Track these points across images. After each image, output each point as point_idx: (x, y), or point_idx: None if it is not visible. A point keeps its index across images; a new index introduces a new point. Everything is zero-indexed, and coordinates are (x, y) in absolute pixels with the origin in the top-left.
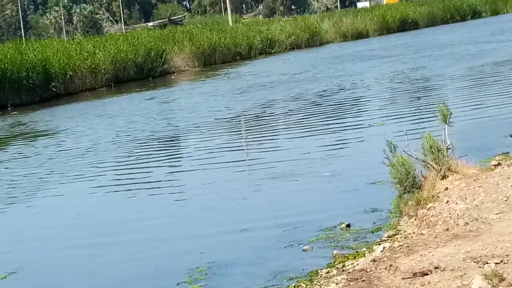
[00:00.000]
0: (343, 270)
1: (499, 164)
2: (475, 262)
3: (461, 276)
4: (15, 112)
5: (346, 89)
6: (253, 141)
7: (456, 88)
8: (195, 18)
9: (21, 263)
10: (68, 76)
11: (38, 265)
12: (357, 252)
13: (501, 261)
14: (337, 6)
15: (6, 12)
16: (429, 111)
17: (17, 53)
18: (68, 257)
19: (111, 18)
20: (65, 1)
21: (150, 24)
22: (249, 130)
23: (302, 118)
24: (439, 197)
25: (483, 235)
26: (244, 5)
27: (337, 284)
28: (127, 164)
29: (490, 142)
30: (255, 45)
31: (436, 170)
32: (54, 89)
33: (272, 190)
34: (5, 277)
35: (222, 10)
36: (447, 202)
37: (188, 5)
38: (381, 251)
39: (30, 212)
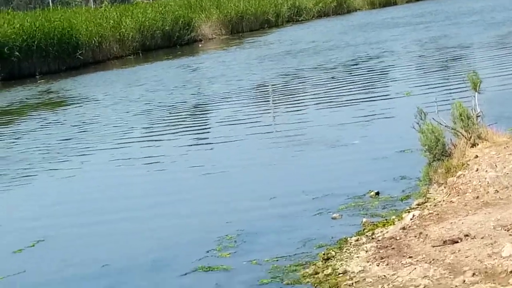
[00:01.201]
0: (372, 238)
1: None
2: (505, 230)
3: (492, 244)
4: (42, 80)
5: (374, 58)
6: (281, 109)
7: (486, 55)
8: None
9: (47, 233)
10: (96, 44)
11: (65, 234)
12: (386, 220)
13: None
14: None
15: None
16: (459, 79)
17: (45, 21)
18: (97, 226)
19: None
20: None
21: None
22: (277, 98)
23: (330, 87)
24: (469, 165)
25: None
26: None
27: (366, 251)
28: (154, 135)
29: None
30: (283, 12)
31: (466, 137)
32: (82, 57)
33: (300, 158)
34: (33, 245)
35: None
36: (477, 170)
37: None
38: (411, 219)
39: (55, 183)
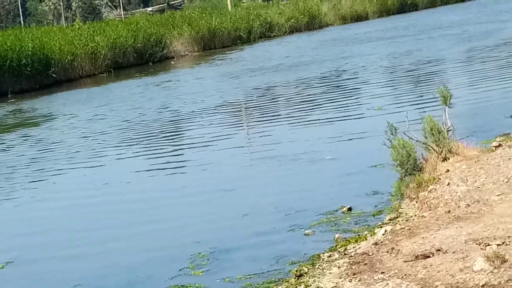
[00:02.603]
0: (345, 254)
1: (500, 145)
2: (477, 244)
3: (463, 258)
4: (13, 100)
5: (346, 73)
6: (254, 125)
7: (457, 70)
8: (194, 2)
9: (16, 254)
10: (68, 62)
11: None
12: (358, 235)
13: (503, 243)
14: None
15: None
16: (430, 93)
17: (17, 40)
18: (68, 246)
19: (110, 4)
20: None
21: (149, 9)
22: (249, 114)
23: (302, 103)
24: (440, 179)
25: (484, 216)
26: None
27: (339, 267)
28: (124, 154)
29: (491, 123)
30: (255, 29)
31: (437, 152)
32: (54, 76)
33: (273, 174)
34: (2, 267)
35: None
36: (448, 184)
37: None
38: (383, 234)
39: (21, 204)
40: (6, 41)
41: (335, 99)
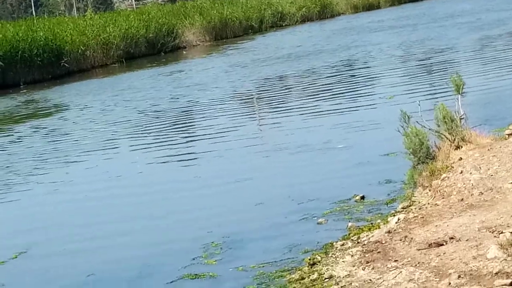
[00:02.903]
0: (358, 242)
1: None
2: (490, 232)
3: (477, 246)
4: (25, 90)
5: (358, 62)
6: (266, 115)
7: (470, 58)
8: None
9: (29, 244)
10: (80, 53)
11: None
12: (371, 224)
13: None
14: None
15: None
16: (443, 82)
17: (29, 31)
18: (81, 236)
19: None
20: None
21: None
22: (262, 104)
23: (314, 92)
24: (453, 167)
25: (497, 204)
26: None
27: (352, 256)
28: (137, 144)
29: (504, 111)
30: (266, 18)
31: (450, 140)
32: (67, 65)
33: (286, 163)
34: (15, 257)
35: None
36: (461, 172)
37: None
38: (396, 223)
39: (36, 195)
40: (18, 31)
41: (346, 88)
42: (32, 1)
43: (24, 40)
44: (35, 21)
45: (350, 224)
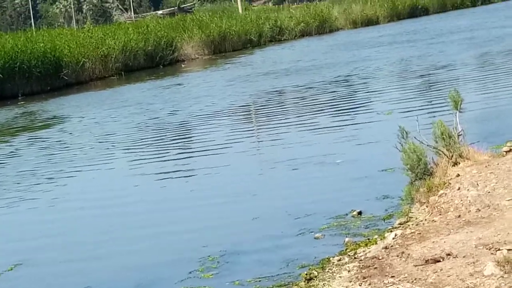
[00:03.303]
0: (355, 258)
1: (510, 150)
2: (487, 249)
3: (474, 263)
4: (23, 102)
5: (356, 77)
6: (264, 129)
7: (468, 74)
8: (205, 5)
9: (25, 256)
10: (79, 65)
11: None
12: (368, 239)
13: None
14: None
15: (16, 1)
16: (441, 98)
17: (28, 42)
18: (78, 248)
19: (120, 7)
20: None
21: (160, 12)
22: (260, 118)
23: (312, 107)
24: (450, 183)
25: (495, 221)
26: None
27: (349, 271)
28: (133, 158)
29: (502, 128)
30: (265, 32)
31: (447, 156)
32: (65, 78)
33: (283, 178)
34: (11, 269)
35: None
36: (458, 189)
37: None
38: (393, 238)
39: (31, 206)
40: (17, 43)
41: (345, 103)
42: (31, 13)
43: (23, 51)
44: (34, 32)
45: (347, 239)
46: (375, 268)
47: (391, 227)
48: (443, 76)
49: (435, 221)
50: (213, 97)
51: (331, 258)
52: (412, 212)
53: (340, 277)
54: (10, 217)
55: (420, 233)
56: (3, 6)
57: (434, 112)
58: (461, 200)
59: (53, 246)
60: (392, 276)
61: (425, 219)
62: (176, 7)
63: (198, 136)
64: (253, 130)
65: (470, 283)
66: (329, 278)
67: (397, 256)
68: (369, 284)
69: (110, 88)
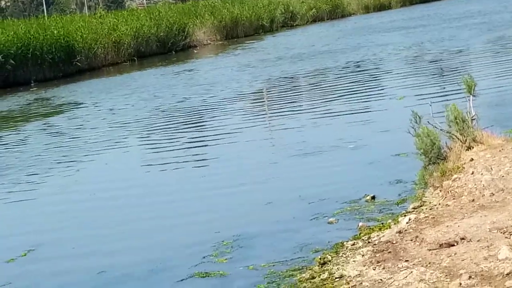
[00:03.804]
0: (368, 242)
1: None
2: (501, 233)
3: (488, 247)
4: (35, 88)
5: (369, 62)
6: (276, 114)
7: (481, 58)
8: None
9: (38, 241)
10: (91, 51)
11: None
12: (382, 224)
13: None
14: None
15: None
16: (454, 82)
17: (40, 28)
18: (91, 233)
19: None
20: None
21: None
22: (272, 103)
23: (324, 92)
24: (464, 168)
25: (509, 205)
26: None
27: (363, 256)
28: (148, 143)
29: None
30: (277, 18)
31: (461, 141)
32: (78, 64)
33: (296, 163)
34: (25, 255)
35: None
36: (472, 173)
37: None
38: (407, 223)
39: (44, 192)
40: (29, 29)
41: (357, 88)
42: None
43: (36, 38)
44: (46, 19)
45: (360, 224)
46: (389, 252)
47: (404, 212)
48: (456, 61)
49: (448, 205)
50: (226, 83)
51: (344, 243)
52: (426, 197)
53: (354, 261)
54: (20, 204)
55: (434, 217)
56: None
57: (447, 96)
58: (475, 184)
59: (67, 234)
60: (406, 260)
61: (439, 203)
62: None
63: (211, 122)
64: (266, 115)
65: (484, 267)
66: (343, 262)
67: (411, 240)
68: (383, 268)
69: (123, 74)
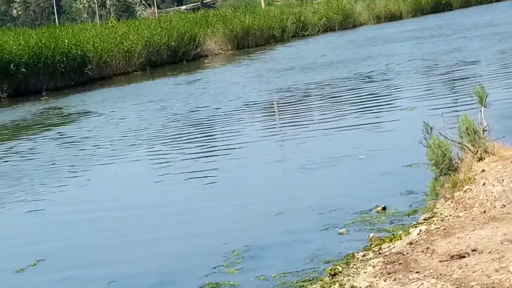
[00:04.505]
0: (379, 253)
1: None
2: None
3: (499, 259)
4: (46, 98)
5: (380, 72)
6: (287, 124)
7: (492, 69)
8: (228, 1)
9: (48, 251)
10: (102, 60)
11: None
12: (393, 235)
13: None
14: None
15: None
16: (465, 93)
17: (52, 38)
18: (101, 243)
19: (144, 2)
20: None
21: (183, 7)
22: (283, 113)
23: (335, 103)
24: (475, 179)
25: None
26: None
27: (373, 267)
28: (159, 152)
29: None
30: (288, 27)
31: (472, 152)
32: (90, 73)
33: (306, 173)
34: (34, 264)
35: None
36: (483, 184)
37: None
38: (418, 234)
39: (54, 202)
40: (41, 38)
41: (368, 98)
42: (55, 9)
43: (47, 47)
44: (58, 28)
45: (371, 235)
46: (400, 263)
47: (415, 223)
48: (467, 72)
49: (460, 217)
50: (236, 93)
51: (355, 254)
52: (437, 208)
53: (364, 272)
54: (32, 213)
55: (445, 229)
56: (27, 1)
57: (458, 107)
58: (486, 196)
59: (77, 242)
60: (417, 272)
61: (450, 215)
62: (199, 2)
63: (221, 132)
64: (276, 125)
65: (496, 279)
66: (354, 273)
67: (422, 251)
68: (394, 280)
69: (133, 84)
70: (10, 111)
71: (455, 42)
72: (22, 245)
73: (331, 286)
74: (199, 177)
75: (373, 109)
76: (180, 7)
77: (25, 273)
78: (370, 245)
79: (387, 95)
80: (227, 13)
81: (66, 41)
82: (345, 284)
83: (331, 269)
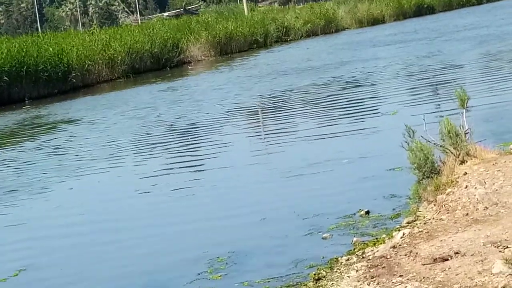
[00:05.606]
0: (363, 257)
1: None
2: (495, 247)
3: (482, 261)
4: (28, 106)
5: (364, 76)
6: (270, 129)
7: (474, 72)
8: (210, 7)
9: (29, 261)
10: (85, 68)
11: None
12: (376, 238)
13: None
14: None
15: (22, 5)
16: (447, 96)
17: (34, 46)
18: (84, 250)
19: (126, 9)
20: None
21: (166, 14)
22: (266, 118)
23: (318, 107)
24: (458, 182)
25: (503, 219)
26: None
27: (357, 271)
28: (141, 159)
29: (509, 126)
30: (271, 33)
31: (454, 155)
32: (73, 80)
33: (290, 178)
34: (16, 275)
35: None
36: (466, 187)
37: None
38: (401, 237)
39: (35, 210)
40: (23, 47)
41: (350, 102)
42: (37, 17)
43: (30, 55)
44: (40, 36)
45: (355, 239)
46: (383, 267)
47: (399, 226)
48: (449, 75)
49: (442, 220)
50: (220, 99)
51: (339, 258)
52: (420, 211)
53: (348, 276)
54: (15, 224)
55: (428, 232)
56: (9, 10)
57: (440, 110)
58: (469, 198)
59: (57, 249)
60: (400, 275)
61: (433, 218)
62: (181, 9)
63: (205, 137)
64: (260, 130)
65: (479, 281)
66: (338, 278)
67: (405, 255)
68: (378, 284)
69: (117, 91)
70: None
71: (437, 45)
72: (3, 255)
73: None
74: (182, 185)
75: (355, 114)
76: (162, 13)
77: (7, 283)
78: (354, 249)
79: (369, 99)
80: (210, 19)
81: (51, 49)
82: None
83: (315, 274)
